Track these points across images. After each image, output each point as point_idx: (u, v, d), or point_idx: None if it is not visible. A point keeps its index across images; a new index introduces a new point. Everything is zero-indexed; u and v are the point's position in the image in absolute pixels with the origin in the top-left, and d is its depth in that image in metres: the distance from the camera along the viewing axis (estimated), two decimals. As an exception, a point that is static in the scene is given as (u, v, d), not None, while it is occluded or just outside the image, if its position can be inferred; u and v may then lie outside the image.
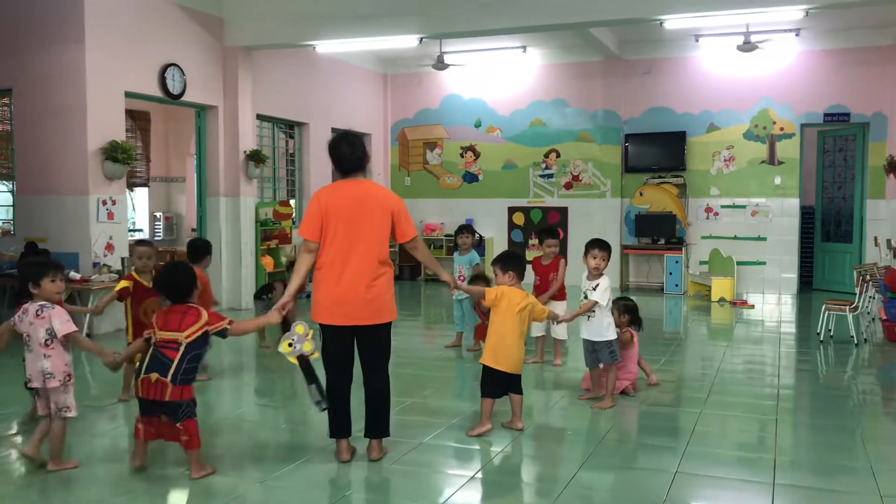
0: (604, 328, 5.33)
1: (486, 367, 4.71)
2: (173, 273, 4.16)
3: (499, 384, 4.71)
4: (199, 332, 3.89)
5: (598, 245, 5.36)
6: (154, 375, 3.80)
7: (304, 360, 4.05)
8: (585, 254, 5.40)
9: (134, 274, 5.52)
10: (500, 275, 4.81)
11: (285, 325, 4.18)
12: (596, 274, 5.32)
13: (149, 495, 3.76)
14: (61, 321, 4.00)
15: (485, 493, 3.93)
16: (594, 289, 5.27)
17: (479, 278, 6.87)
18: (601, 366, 5.43)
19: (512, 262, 4.83)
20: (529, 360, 6.46)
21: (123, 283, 5.44)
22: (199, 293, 5.42)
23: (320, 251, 4.09)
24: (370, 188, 4.19)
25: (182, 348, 3.83)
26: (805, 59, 11.25)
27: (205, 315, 3.92)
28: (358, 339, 4.17)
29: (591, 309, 5.27)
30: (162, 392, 3.80)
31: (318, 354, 4.10)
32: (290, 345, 4.01)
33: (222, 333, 3.96)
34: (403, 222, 4.20)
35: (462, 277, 7.14)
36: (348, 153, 4.15)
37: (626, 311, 5.82)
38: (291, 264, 7.73)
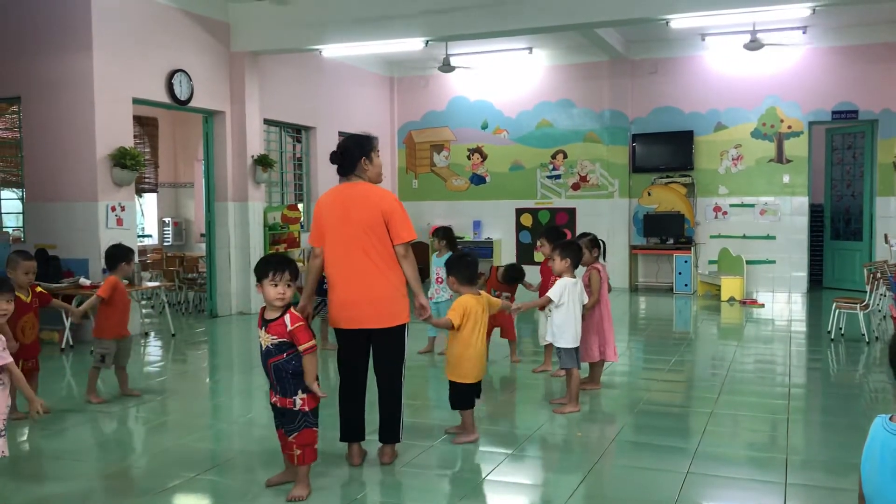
0: (557, 332, 5.13)
1: (453, 383, 4.51)
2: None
3: (470, 394, 4.55)
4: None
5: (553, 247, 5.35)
6: None
7: None
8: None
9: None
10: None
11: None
12: (563, 272, 5.18)
13: (160, 500, 3.77)
14: None
15: (496, 495, 3.92)
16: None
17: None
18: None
19: (450, 266, 4.67)
20: (538, 369, 6.43)
21: None
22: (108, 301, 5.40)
23: (324, 256, 4.12)
24: (362, 189, 4.10)
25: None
26: (812, 57, 11.21)
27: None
28: (371, 343, 4.16)
29: (545, 305, 5.12)
30: None
31: None
32: None
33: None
34: (396, 223, 4.03)
35: (440, 279, 7.06)
36: (338, 156, 4.17)
37: (594, 245, 5.62)
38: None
